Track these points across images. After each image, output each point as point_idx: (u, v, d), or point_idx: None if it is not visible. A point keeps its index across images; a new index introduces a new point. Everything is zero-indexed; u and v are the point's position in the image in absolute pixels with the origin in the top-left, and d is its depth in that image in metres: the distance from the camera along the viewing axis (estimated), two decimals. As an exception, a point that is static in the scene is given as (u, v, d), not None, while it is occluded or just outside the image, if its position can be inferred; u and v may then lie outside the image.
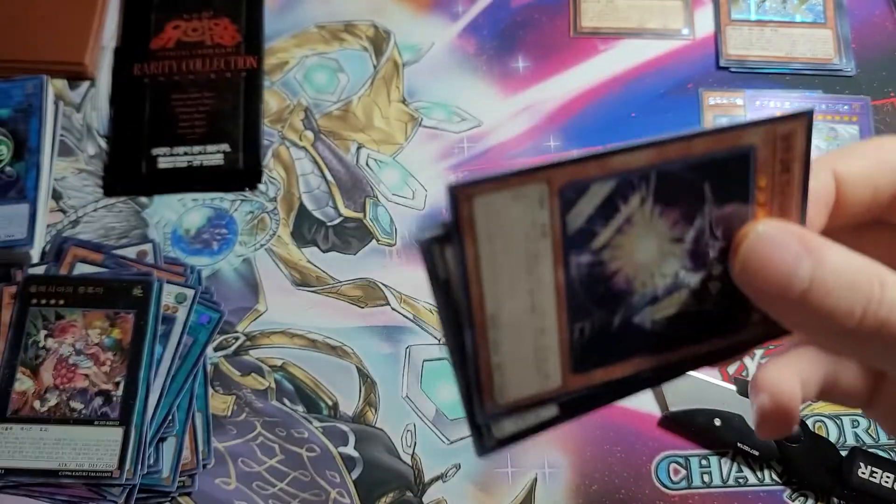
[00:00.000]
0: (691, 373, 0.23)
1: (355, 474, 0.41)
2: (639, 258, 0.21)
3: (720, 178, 0.20)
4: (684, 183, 0.20)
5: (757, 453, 0.41)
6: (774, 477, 0.41)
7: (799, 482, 0.40)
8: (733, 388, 0.41)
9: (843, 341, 0.20)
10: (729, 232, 0.21)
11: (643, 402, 0.42)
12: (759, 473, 0.41)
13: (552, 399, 0.22)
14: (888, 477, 0.39)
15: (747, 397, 0.40)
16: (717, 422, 0.41)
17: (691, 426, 0.42)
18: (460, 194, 0.18)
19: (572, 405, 0.22)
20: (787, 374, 0.22)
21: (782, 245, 0.19)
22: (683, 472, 0.41)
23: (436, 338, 0.44)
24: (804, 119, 0.20)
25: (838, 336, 0.20)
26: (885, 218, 0.22)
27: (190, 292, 0.43)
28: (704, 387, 0.42)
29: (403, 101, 0.50)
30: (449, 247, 0.19)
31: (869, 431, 0.42)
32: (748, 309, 0.22)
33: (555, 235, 0.20)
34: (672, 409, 0.42)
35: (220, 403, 0.42)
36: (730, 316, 0.22)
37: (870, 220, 0.22)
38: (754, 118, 0.20)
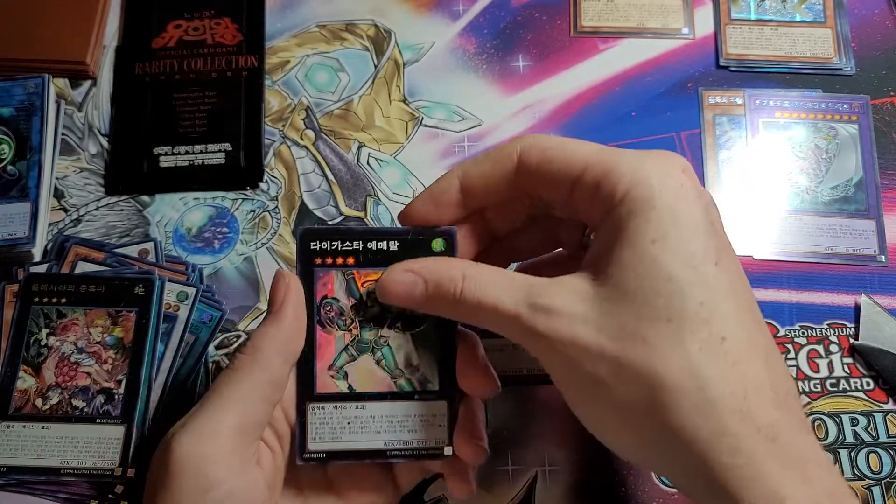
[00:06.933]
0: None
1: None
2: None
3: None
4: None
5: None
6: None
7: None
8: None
9: (458, 314, 0.31)
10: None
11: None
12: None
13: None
14: None
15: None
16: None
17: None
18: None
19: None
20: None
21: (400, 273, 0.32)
22: (683, 469, 0.41)
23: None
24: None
25: (457, 310, 0.30)
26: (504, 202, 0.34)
27: (192, 291, 0.43)
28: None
29: (404, 101, 0.50)
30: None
31: (868, 430, 0.42)
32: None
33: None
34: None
35: (221, 401, 0.42)
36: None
37: (496, 203, 0.34)
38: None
